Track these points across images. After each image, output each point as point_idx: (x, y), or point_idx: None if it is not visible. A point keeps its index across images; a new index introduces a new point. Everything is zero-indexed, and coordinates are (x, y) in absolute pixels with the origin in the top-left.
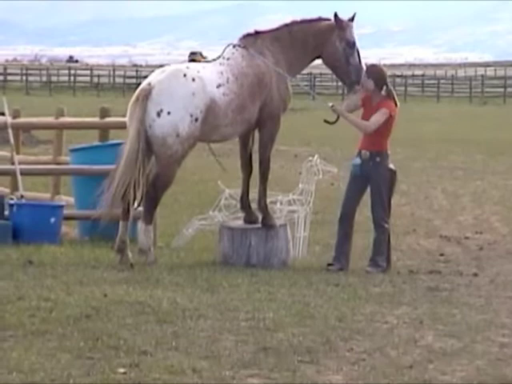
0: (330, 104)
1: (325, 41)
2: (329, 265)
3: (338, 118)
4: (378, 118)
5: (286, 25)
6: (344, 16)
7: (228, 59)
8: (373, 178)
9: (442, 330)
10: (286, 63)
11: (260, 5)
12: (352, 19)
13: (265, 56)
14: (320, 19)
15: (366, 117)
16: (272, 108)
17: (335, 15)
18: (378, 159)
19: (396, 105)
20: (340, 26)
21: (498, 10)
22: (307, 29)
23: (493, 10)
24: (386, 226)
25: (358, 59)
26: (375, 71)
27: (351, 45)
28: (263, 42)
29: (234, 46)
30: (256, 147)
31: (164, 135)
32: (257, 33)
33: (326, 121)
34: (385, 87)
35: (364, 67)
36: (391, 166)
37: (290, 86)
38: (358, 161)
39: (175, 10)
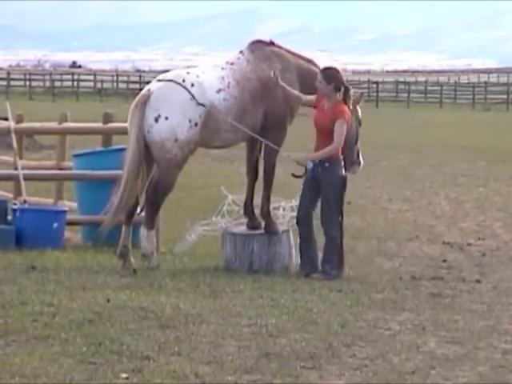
0: (286, 154)
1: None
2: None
3: (306, 168)
4: (339, 133)
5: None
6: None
7: (232, 64)
8: (322, 184)
9: (444, 336)
10: (296, 73)
11: (262, 10)
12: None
13: (272, 61)
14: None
15: (318, 118)
16: (277, 114)
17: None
18: (326, 165)
19: (349, 108)
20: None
21: (501, 16)
22: (312, 75)
23: (497, 16)
24: (335, 233)
25: None
26: (334, 75)
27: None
28: (273, 50)
29: (241, 52)
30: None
31: (162, 139)
32: (271, 43)
33: (294, 175)
34: (342, 89)
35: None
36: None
37: (299, 93)
38: (310, 165)
39: (178, 16)
